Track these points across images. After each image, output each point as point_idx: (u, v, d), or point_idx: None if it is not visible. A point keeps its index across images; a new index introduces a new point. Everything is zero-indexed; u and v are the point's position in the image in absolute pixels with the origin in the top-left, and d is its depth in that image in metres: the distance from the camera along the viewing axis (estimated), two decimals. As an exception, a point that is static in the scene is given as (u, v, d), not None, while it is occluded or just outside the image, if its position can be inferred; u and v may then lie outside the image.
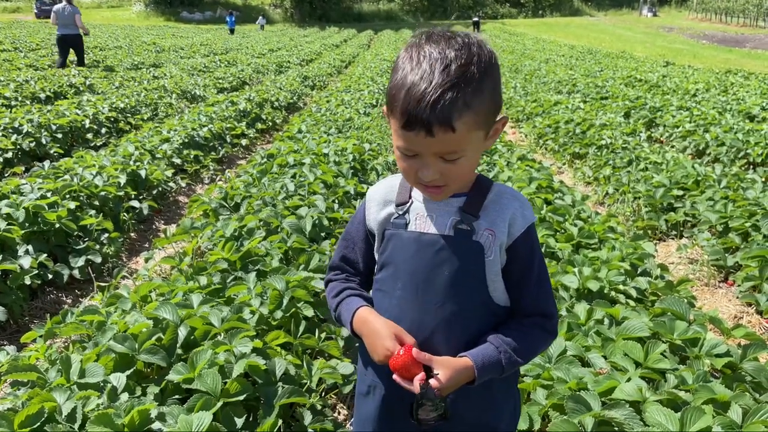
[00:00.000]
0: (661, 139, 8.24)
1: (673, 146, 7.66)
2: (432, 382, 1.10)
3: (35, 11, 45.20)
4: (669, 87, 11.94)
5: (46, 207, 3.73)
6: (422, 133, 1.03)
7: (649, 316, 2.58)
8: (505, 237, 1.17)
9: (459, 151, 1.07)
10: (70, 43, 12.63)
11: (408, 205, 1.22)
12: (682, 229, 4.71)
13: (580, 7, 58.66)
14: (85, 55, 13.79)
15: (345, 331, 2.67)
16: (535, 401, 2.07)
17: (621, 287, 2.92)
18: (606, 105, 9.90)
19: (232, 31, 33.46)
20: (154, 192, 5.02)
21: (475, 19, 40.28)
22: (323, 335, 2.63)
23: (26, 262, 3.26)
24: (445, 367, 1.12)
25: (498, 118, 1.12)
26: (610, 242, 3.50)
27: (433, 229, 1.18)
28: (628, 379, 2.01)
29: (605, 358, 2.27)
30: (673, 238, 4.69)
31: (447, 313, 1.18)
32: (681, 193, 4.97)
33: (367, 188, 4.93)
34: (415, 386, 1.11)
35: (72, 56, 13.24)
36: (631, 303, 2.86)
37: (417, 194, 1.22)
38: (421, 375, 1.11)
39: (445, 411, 1.11)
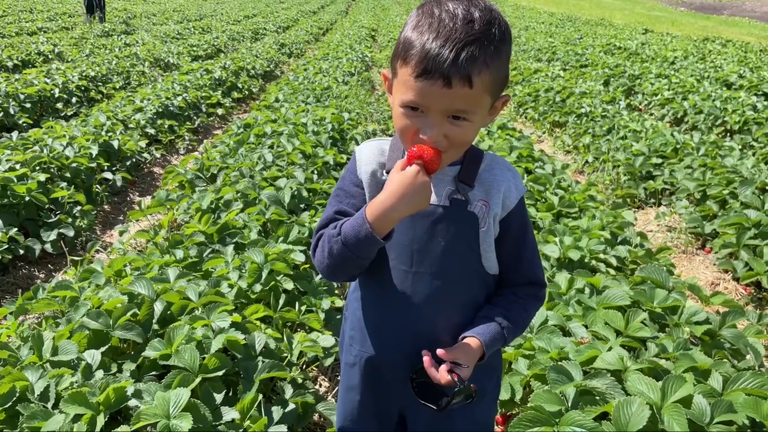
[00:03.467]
0: (640, 107, 8.25)
1: (651, 114, 7.68)
2: (462, 372, 1.12)
3: (-1, -25, 43.48)
4: (648, 55, 11.93)
5: (15, 179, 3.60)
6: (439, 83, 0.99)
7: (629, 284, 2.58)
8: (499, 209, 1.17)
9: (469, 112, 1.03)
10: (96, 2, 15.04)
11: None
12: (660, 197, 4.74)
13: (560, -27, 58.09)
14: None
15: (326, 304, 2.64)
16: (516, 371, 2.07)
17: (601, 256, 2.92)
18: (585, 73, 9.86)
19: None
20: (128, 163, 4.89)
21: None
22: (303, 308, 2.60)
23: (-5, 236, 3.17)
24: (466, 354, 1.14)
25: (503, 94, 1.10)
26: (590, 211, 3.50)
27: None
28: (609, 349, 2.01)
29: (586, 327, 2.27)
30: (651, 206, 4.72)
31: (441, 282, 1.17)
32: (660, 161, 4.98)
33: (346, 158, 4.90)
34: (444, 377, 1.10)
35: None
36: (612, 272, 2.87)
37: None
38: (444, 366, 1.12)
39: (473, 392, 1.12)
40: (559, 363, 1.88)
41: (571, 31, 17.20)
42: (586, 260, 2.86)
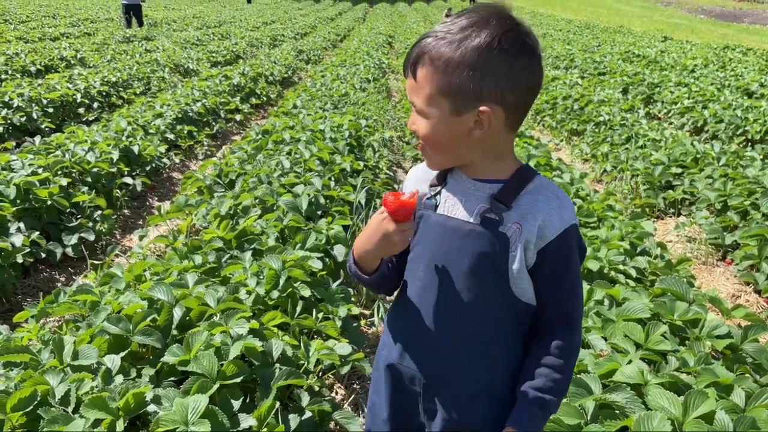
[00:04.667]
0: (659, 115, 8.18)
1: (671, 123, 7.61)
2: None
3: (24, -18, 44.28)
4: (667, 63, 11.83)
5: (38, 183, 3.66)
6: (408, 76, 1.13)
7: (649, 296, 2.55)
8: (533, 236, 1.10)
9: (419, 105, 1.10)
10: (133, 10, 15.54)
11: (441, 186, 1.19)
12: (680, 207, 4.69)
13: (578, -20, 57.88)
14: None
15: (342, 311, 2.65)
16: (534, 383, 2.05)
17: (621, 267, 2.90)
18: (604, 81, 9.81)
19: (249, 1, 35.25)
20: (148, 168, 4.95)
21: (474, -8, 39.70)
22: (320, 315, 2.60)
23: (18, 240, 3.21)
24: None
25: (480, 107, 1.05)
26: (609, 221, 3.47)
27: (461, 214, 1.15)
28: (629, 362, 1.99)
29: (605, 339, 2.25)
30: (671, 216, 4.67)
31: (465, 301, 1.15)
32: (679, 170, 4.93)
33: (363, 165, 4.91)
34: None
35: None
36: (631, 283, 2.84)
37: (452, 176, 1.19)
38: None
39: None
40: (578, 376, 1.86)
41: (589, 39, 17.12)
42: (605, 271, 2.83)
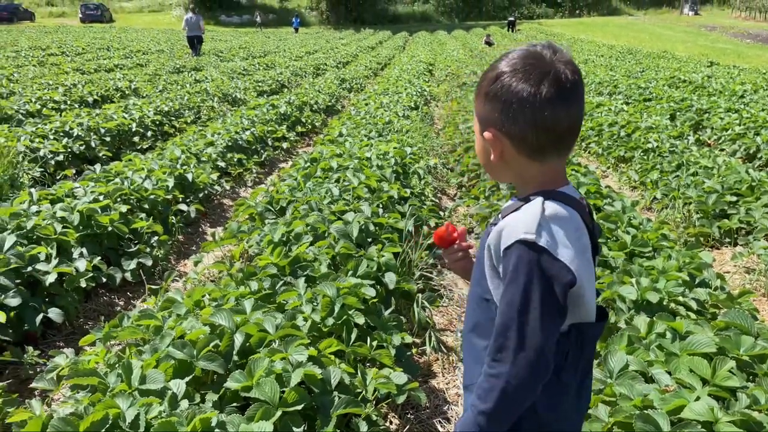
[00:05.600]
0: (709, 142, 8.00)
1: (722, 150, 7.43)
2: None
3: (80, 16, 46.56)
4: (714, 88, 11.59)
5: (99, 210, 3.80)
6: None
7: (712, 329, 2.48)
8: (492, 244, 1.15)
9: (475, 125, 1.23)
10: (195, 39, 17.55)
11: None
12: (736, 236, 4.56)
13: (619, 6, 57.59)
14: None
15: (396, 340, 2.65)
16: (596, 418, 2.01)
17: (680, 299, 2.83)
18: (650, 107, 9.67)
19: (296, 30, 38.07)
20: (200, 195, 5.09)
21: (511, 19, 39.85)
22: (374, 343, 2.61)
23: (81, 265, 3.33)
24: None
25: (485, 131, 1.17)
26: (665, 251, 3.40)
27: None
28: (697, 398, 1.93)
29: (669, 374, 2.19)
30: (727, 246, 4.54)
31: (468, 305, 1.29)
32: (734, 198, 4.80)
33: (410, 192, 4.95)
34: None
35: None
36: (692, 315, 2.77)
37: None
38: None
39: None
40: (645, 411, 1.82)
41: (632, 64, 16.94)
42: (665, 303, 2.77)
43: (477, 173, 5.73)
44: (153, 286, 3.59)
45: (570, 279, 1.07)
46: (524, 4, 55.16)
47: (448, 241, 1.43)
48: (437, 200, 5.56)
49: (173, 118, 8.03)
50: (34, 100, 8.17)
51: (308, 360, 2.17)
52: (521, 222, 1.10)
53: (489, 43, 26.26)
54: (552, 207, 1.12)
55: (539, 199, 1.13)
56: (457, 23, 48.59)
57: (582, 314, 1.14)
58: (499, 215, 1.21)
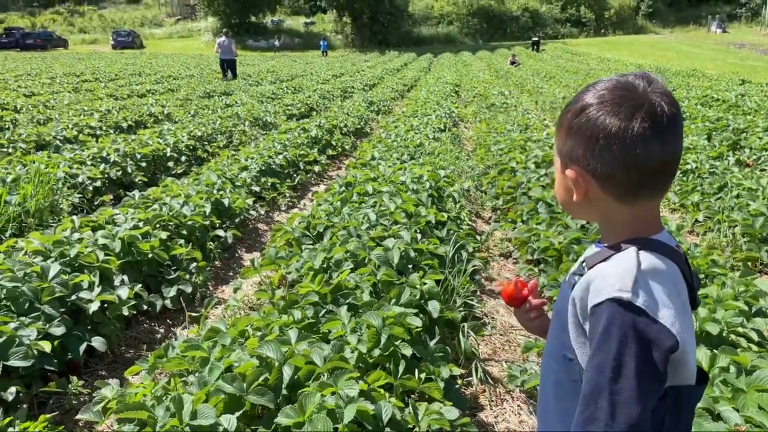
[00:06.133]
0: (748, 162, 7.81)
1: (763, 170, 7.24)
2: None
3: (112, 42, 47.92)
4: (750, 107, 11.37)
5: (140, 237, 3.82)
6: None
7: (778, 363, 2.37)
8: (578, 300, 1.05)
9: (555, 160, 1.14)
10: (229, 64, 18.41)
11: None
12: (787, 261, 4.40)
13: (645, 24, 57.26)
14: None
15: (445, 372, 2.58)
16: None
17: (740, 329, 2.71)
18: (684, 127, 9.50)
19: (324, 53, 39.65)
20: (237, 220, 5.10)
21: (535, 39, 39.88)
22: (423, 376, 2.55)
23: (123, 292, 3.33)
24: None
25: (568, 168, 1.08)
26: (718, 278, 3.28)
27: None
28: (773, 439, 1.82)
29: (737, 411, 2.08)
30: (777, 271, 4.39)
31: (547, 352, 1.19)
32: (783, 222, 4.65)
33: (447, 217, 4.89)
34: None
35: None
36: (753, 347, 2.65)
37: None
38: None
39: None
40: (720, 454, 1.72)
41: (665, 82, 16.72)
42: (724, 334, 2.66)
43: (513, 196, 5.66)
44: (193, 314, 3.58)
45: (671, 344, 0.94)
46: (548, 24, 55.17)
47: (519, 299, 1.32)
48: (473, 224, 5.49)
49: (206, 143, 8.12)
50: (71, 126, 8.34)
51: (359, 395, 2.12)
52: (614, 276, 0.98)
53: (514, 63, 26.27)
54: (649, 259, 1.01)
55: (633, 249, 1.02)
56: (481, 44, 48.75)
57: (682, 378, 1.02)
58: (583, 263, 1.11)
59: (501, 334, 3.51)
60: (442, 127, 9.42)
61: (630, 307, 0.95)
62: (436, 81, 18.38)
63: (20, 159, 6.06)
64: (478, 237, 4.94)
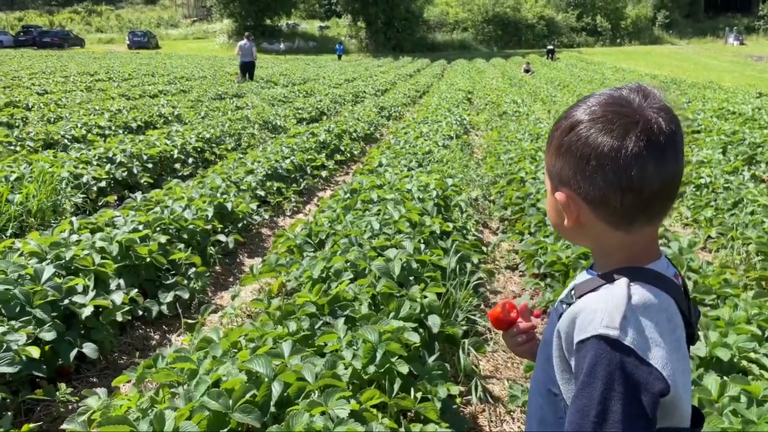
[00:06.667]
0: (764, 177, 7.65)
1: (779, 186, 7.08)
2: None
3: (128, 42, 48.32)
4: (766, 120, 11.18)
5: (138, 241, 3.76)
6: None
7: (792, 393, 2.25)
8: (564, 328, 0.98)
9: (546, 181, 1.06)
10: (249, 66, 18.66)
11: None
12: (802, 282, 4.26)
13: (661, 35, 56.85)
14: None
15: (442, 392, 2.49)
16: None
17: (752, 355, 2.59)
18: (698, 139, 9.35)
19: (339, 57, 40.13)
20: (239, 225, 5.04)
21: (550, 47, 39.70)
22: (419, 395, 2.45)
23: (118, 297, 3.27)
24: None
25: (557, 191, 0.99)
26: (730, 299, 3.16)
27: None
28: (786, 479, 1.72)
29: (748, 445, 1.98)
30: (792, 292, 4.24)
31: (533, 380, 1.12)
32: (799, 241, 4.51)
33: (453, 227, 4.80)
34: None
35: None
36: (766, 375, 2.53)
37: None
38: None
39: None
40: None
41: (677, 95, 16.55)
42: (735, 360, 2.54)
43: (521, 207, 5.55)
44: (189, 321, 3.51)
45: (661, 388, 0.86)
46: (564, 32, 54.92)
47: (506, 322, 1.24)
48: (480, 234, 5.39)
49: (214, 145, 8.08)
50: (80, 125, 8.33)
51: (350, 415, 2.03)
52: (601, 311, 0.91)
53: (528, 71, 26.14)
54: (640, 293, 0.92)
55: (624, 281, 0.94)
56: (495, 51, 48.61)
57: (674, 420, 0.93)
58: (572, 291, 1.03)
59: (504, 351, 3.41)
60: (452, 135, 9.33)
61: (617, 345, 0.87)
62: (448, 87, 18.29)
63: (26, 157, 6.04)
64: (484, 248, 4.84)
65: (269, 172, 6.36)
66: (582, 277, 1.06)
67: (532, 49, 48.38)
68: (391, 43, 49.04)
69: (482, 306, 3.86)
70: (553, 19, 55.24)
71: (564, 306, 1.02)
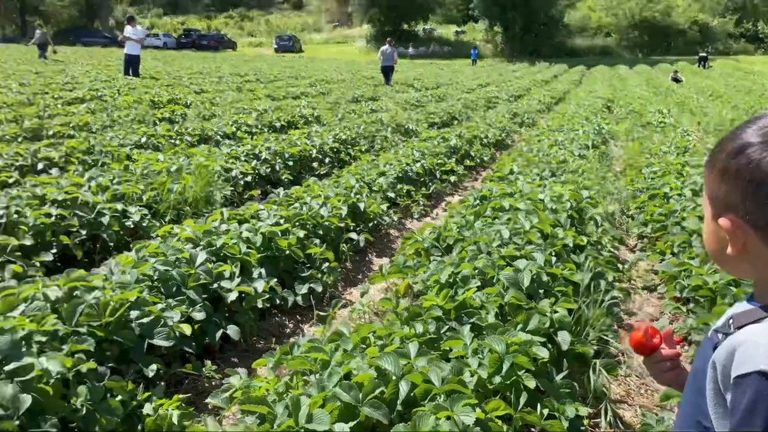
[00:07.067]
0: None
1: None
2: None
3: (275, 46, 51.51)
4: None
5: (279, 234, 4.00)
6: None
7: None
8: (721, 360, 0.91)
9: (705, 206, 1.01)
10: (388, 69, 19.77)
11: None
12: None
13: (840, 41, 50.60)
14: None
15: (570, 411, 2.41)
16: None
17: None
18: None
19: (474, 62, 40.23)
20: (370, 224, 5.20)
21: (702, 54, 36.80)
22: (545, 411, 2.40)
23: (260, 285, 3.51)
24: None
25: (721, 217, 0.94)
26: None
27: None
28: None
29: None
30: None
31: (681, 411, 1.07)
32: None
33: (587, 241, 4.61)
34: None
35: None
36: None
37: None
38: None
39: None
40: None
41: None
42: None
43: (663, 224, 5.21)
44: (321, 313, 3.68)
45: None
46: (719, 38, 50.61)
47: (649, 347, 1.20)
48: (616, 251, 5.13)
49: (349, 146, 8.38)
50: (231, 123, 9.02)
51: (475, 423, 2.03)
52: (764, 345, 0.85)
53: (676, 80, 24.43)
54: None
55: None
56: (640, 58, 45.86)
57: None
58: (730, 321, 0.97)
59: (637, 376, 3.23)
60: (589, 144, 8.95)
61: None
62: (587, 95, 17.56)
63: (185, 151, 6.65)
64: (619, 266, 4.60)
65: (400, 174, 6.50)
66: (742, 306, 1.00)
67: (682, 56, 45.03)
68: (527, 48, 47.97)
69: (615, 326, 3.67)
70: (708, 25, 51.07)
71: (720, 336, 0.97)
